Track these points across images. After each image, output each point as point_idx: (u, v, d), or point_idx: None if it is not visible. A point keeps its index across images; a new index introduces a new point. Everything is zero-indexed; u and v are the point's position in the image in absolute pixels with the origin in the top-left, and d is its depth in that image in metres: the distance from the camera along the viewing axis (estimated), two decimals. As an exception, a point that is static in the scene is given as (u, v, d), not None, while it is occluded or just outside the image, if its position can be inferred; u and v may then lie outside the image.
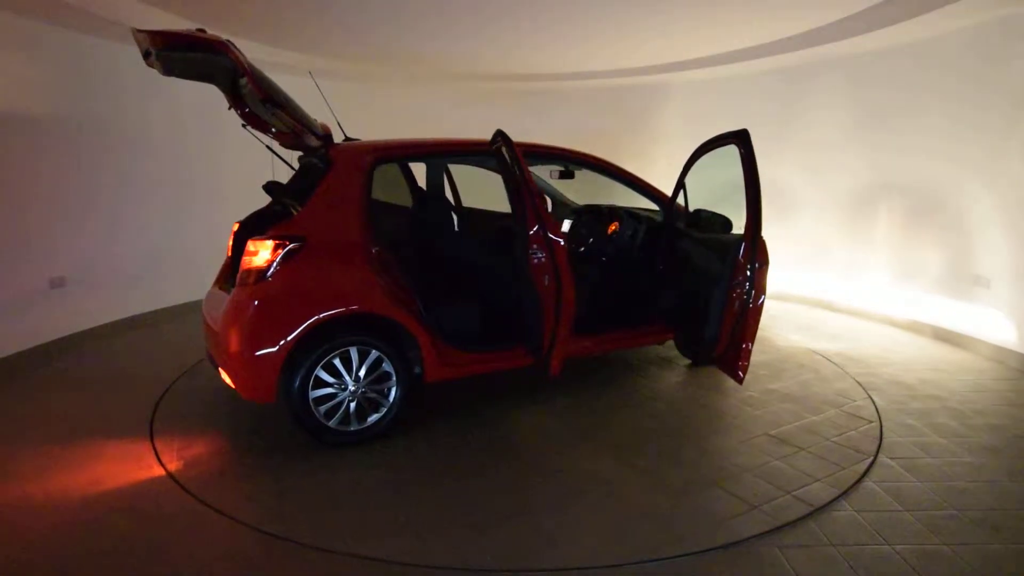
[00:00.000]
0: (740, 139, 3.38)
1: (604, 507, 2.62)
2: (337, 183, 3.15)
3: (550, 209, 5.14)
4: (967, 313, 4.99)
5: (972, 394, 3.91)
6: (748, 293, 3.33)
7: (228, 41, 2.87)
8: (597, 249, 4.42)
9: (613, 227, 4.38)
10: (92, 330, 5.03)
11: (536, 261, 2.89)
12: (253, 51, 5.58)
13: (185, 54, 2.83)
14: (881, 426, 3.39)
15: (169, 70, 2.99)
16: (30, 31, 4.36)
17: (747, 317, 3.32)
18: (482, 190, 5.21)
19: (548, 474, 2.91)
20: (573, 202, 5.23)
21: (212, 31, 2.81)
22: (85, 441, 3.18)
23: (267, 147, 3.63)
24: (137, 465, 2.95)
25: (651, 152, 7.84)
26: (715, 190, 4.34)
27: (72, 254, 4.85)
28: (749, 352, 3.35)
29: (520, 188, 2.94)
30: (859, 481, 2.79)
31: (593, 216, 4.65)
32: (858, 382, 4.10)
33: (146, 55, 2.87)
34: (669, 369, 4.38)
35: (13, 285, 4.37)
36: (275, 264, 2.94)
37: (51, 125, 4.60)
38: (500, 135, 2.93)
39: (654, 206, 4.42)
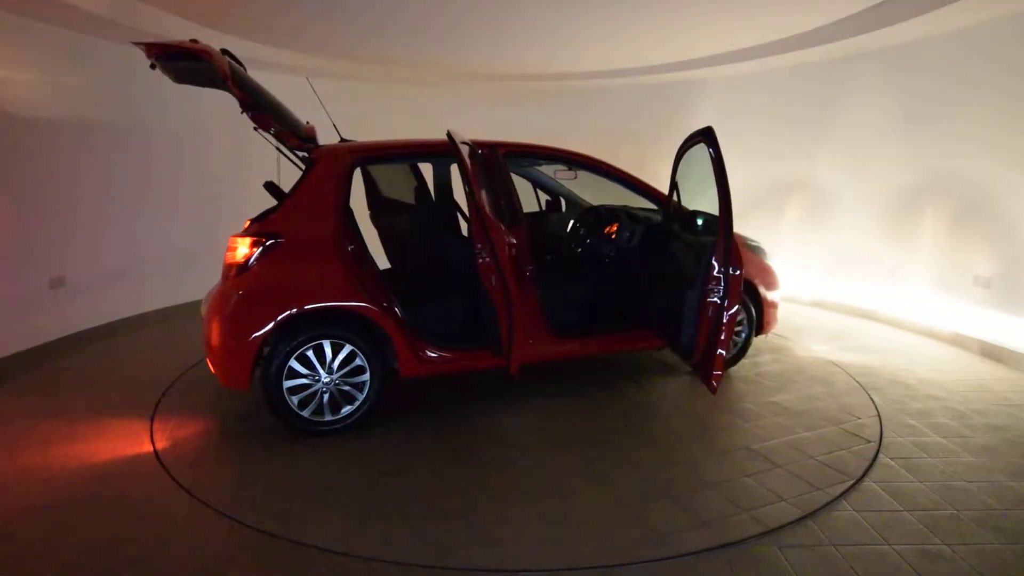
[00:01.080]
0: (707, 137, 3.23)
1: (548, 509, 2.59)
2: (315, 183, 3.28)
3: (564, 209, 5.10)
4: (1019, 328, 4.49)
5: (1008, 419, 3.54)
6: (722, 299, 3.16)
7: (223, 50, 3.06)
8: (594, 251, 4.35)
9: (612, 228, 4.30)
10: (145, 315, 5.58)
11: (481, 261, 2.88)
12: (269, 55, 5.89)
13: (177, 63, 3.05)
14: (878, 448, 3.14)
15: (177, 78, 3.23)
16: (80, 43, 4.80)
17: (721, 324, 3.16)
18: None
19: (506, 472, 2.91)
20: (586, 202, 5.15)
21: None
22: (93, 420, 3.48)
23: (277, 148, 3.80)
24: (131, 442, 3.20)
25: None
26: (700, 191, 4.17)
27: (121, 249, 5.32)
28: (722, 361, 3.19)
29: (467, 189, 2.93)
30: (831, 503, 2.63)
31: (593, 217, 4.57)
32: (872, 399, 3.79)
33: (152, 65, 3.11)
34: (669, 376, 4.23)
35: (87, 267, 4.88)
36: (252, 259, 3.10)
37: (97, 130, 5.04)
38: (448, 135, 2.93)
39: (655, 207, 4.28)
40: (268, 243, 3.11)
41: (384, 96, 7.42)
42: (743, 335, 4.30)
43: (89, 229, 5.07)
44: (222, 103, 3.85)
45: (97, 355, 4.69)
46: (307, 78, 3.88)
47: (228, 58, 3.20)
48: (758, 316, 4.34)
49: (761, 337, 5.07)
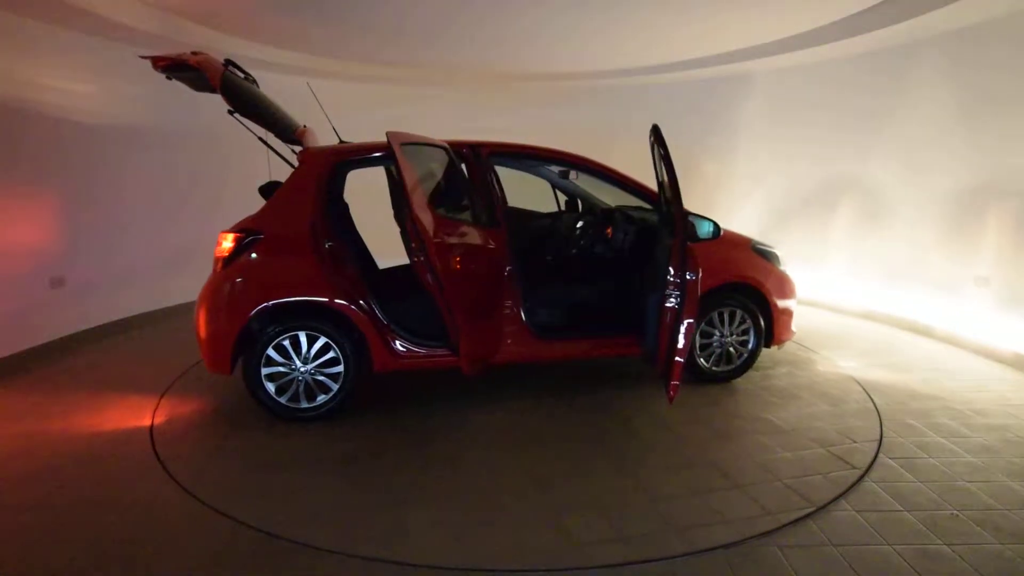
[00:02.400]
0: (654, 135, 3.06)
1: (473, 507, 2.60)
2: (295, 183, 3.46)
3: (579, 210, 5.03)
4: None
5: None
6: (679, 305, 2.99)
7: (227, 60, 3.32)
8: (589, 253, 4.25)
9: (609, 230, 4.18)
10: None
11: (416, 260, 2.90)
12: (307, 62, 6.22)
13: (181, 73, 3.33)
14: (878, 448, 3.05)
15: (194, 86, 3.53)
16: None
17: (679, 331, 3.00)
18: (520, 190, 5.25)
19: (452, 468, 2.94)
20: (603, 203, 5.04)
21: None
22: (108, 397, 3.88)
23: (270, 148, 4.05)
24: (134, 415, 3.54)
25: (730, 150, 7.20)
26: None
27: (172, 244, 5.89)
28: (678, 369, 3.01)
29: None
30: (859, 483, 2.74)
31: (593, 218, 4.47)
32: (881, 422, 3.43)
33: (168, 77, 3.42)
34: (655, 385, 4.04)
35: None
36: (233, 254, 3.33)
37: (153, 134, 5.60)
38: (386, 137, 2.97)
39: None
40: (247, 239, 3.33)
41: (415, 99, 7.63)
42: (750, 345, 4.04)
43: (144, 224, 5.65)
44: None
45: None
46: (307, 83, 4.10)
47: (231, 67, 3.46)
48: (767, 325, 4.06)
49: (783, 348, 4.75)
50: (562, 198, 5.15)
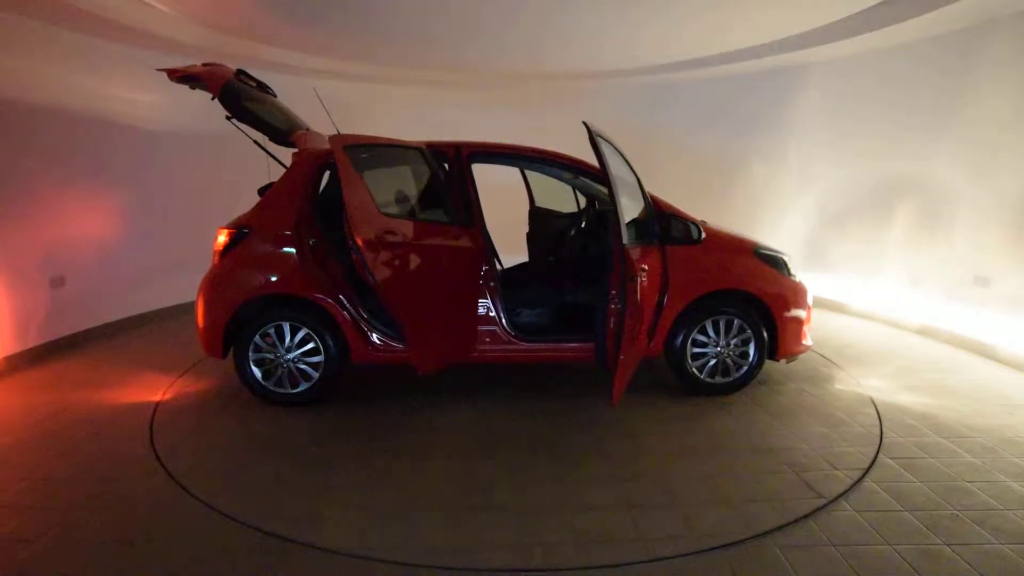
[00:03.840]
0: (588, 136, 2.92)
1: (379, 499, 2.67)
2: (284, 183, 3.68)
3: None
4: None
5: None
6: (621, 310, 2.84)
7: (238, 70, 3.63)
8: (578, 254, 4.16)
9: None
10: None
11: (355, 257, 2.97)
12: (336, 66, 6.53)
13: (197, 83, 3.68)
14: (878, 448, 3.03)
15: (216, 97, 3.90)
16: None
17: (622, 336, 2.86)
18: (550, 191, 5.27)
19: (391, 461, 3.01)
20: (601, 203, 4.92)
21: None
22: (137, 374, 4.35)
23: (265, 151, 4.28)
24: (149, 391, 3.95)
25: (779, 149, 6.69)
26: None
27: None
28: (621, 374, 2.86)
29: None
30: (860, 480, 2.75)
31: (595, 219, 4.36)
32: (877, 454, 3.06)
33: (191, 87, 3.80)
34: (637, 393, 3.86)
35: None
36: (226, 248, 3.61)
37: (203, 139, 6.16)
38: (329, 141, 3.06)
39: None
40: (236, 235, 3.61)
41: (446, 101, 7.77)
42: (750, 357, 3.76)
43: (194, 221, 6.22)
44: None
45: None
46: (314, 89, 4.33)
47: (242, 77, 3.77)
48: (771, 337, 3.76)
49: (798, 362, 4.38)
50: (581, 199, 5.08)
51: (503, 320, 3.73)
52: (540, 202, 5.39)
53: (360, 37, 5.49)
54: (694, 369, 3.78)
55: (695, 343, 3.75)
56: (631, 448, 3.14)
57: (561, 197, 5.15)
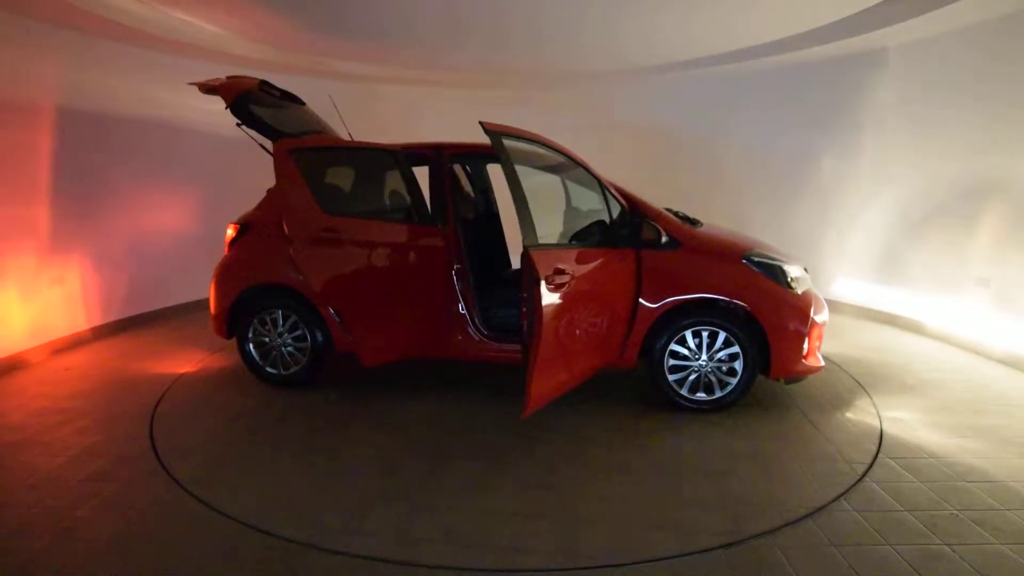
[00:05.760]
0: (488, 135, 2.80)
1: (311, 484, 2.81)
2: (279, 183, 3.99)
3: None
4: None
5: None
6: (531, 315, 2.72)
7: (261, 81, 4.01)
8: None
9: None
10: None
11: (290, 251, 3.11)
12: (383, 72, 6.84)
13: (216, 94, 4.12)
14: (878, 448, 3.02)
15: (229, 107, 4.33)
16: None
17: (533, 342, 2.74)
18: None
19: (337, 447, 3.17)
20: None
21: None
22: (181, 351, 4.96)
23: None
24: (181, 364, 4.50)
25: (854, 145, 5.91)
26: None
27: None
28: (528, 383, 2.73)
29: None
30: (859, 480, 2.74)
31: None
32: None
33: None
34: (624, 404, 3.67)
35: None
36: (232, 241, 4.01)
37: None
38: (273, 145, 3.21)
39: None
40: (241, 229, 3.99)
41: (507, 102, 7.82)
42: (739, 375, 3.43)
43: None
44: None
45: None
46: (329, 96, 4.62)
47: (265, 88, 4.15)
48: (765, 352, 3.40)
49: (806, 383, 3.90)
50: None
51: (475, 320, 3.74)
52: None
53: (419, 48, 5.78)
54: (673, 383, 3.52)
55: (675, 355, 3.49)
56: (566, 457, 3.03)
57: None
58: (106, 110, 5.28)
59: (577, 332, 3.06)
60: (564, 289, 2.85)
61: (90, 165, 5.17)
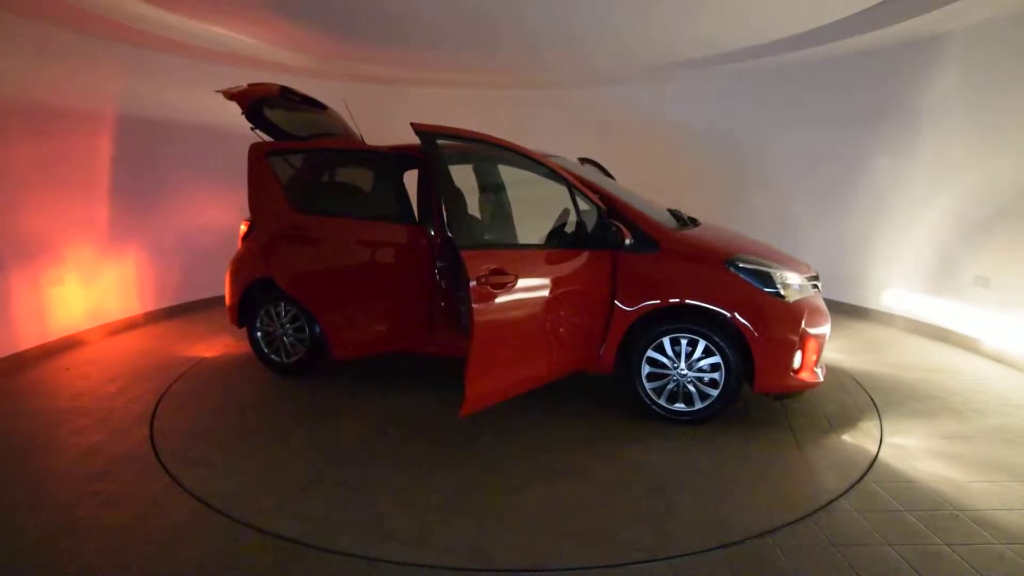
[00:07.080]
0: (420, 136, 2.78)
1: (283, 472, 2.92)
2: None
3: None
4: None
5: None
6: (465, 314, 2.69)
7: (282, 87, 4.27)
8: None
9: None
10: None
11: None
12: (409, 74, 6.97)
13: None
14: (879, 448, 3.02)
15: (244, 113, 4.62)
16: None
17: (469, 342, 2.71)
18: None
19: (314, 436, 3.31)
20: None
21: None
22: (212, 336, 5.37)
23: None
24: (207, 349, 4.89)
25: (907, 139, 5.35)
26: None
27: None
28: (467, 382, 2.70)
29: None
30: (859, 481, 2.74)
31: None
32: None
33: None
34: (603, 410, 3.57)
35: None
36: (244, 237, 4.30)
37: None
38: (249, 148, 3.35)
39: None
40: (246, 227, 4.26)
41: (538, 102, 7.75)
42: (723, 385, 3.25)
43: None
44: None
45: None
46: (343, 100, 4.81)
47: (286, 94, 4.41)
48: (749, 363, 3.20)
49: (790, 399, 3.64)
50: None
51: (460, 317, 3.78)
52: None
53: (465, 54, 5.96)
54: (650, 391, 3.38)
55: (653, 363, 3.35)
56: (508, 459, 3.00)
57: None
58: (159, 117, 5.80)
59: (533, 333, 3.02)
60: (505, 290, 2.81)
61: (144, 166, 5.71)
